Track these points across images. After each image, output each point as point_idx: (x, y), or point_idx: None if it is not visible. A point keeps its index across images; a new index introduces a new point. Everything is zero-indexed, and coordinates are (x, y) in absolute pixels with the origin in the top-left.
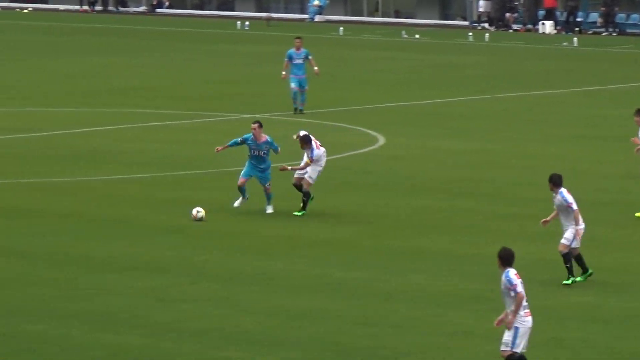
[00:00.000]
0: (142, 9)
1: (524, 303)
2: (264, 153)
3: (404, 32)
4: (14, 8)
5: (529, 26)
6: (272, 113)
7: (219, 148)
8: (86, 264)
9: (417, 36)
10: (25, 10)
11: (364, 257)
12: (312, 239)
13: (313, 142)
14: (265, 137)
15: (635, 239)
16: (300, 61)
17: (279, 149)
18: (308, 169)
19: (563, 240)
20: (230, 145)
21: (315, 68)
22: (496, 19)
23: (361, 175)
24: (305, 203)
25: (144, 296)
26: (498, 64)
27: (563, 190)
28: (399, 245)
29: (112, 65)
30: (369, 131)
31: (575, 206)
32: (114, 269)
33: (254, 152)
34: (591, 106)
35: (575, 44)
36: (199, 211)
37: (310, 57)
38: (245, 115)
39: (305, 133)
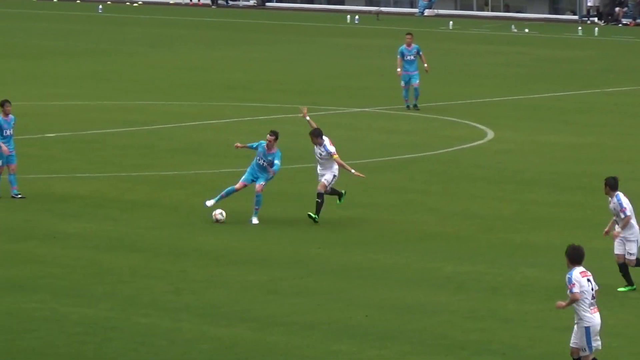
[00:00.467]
0: (251, 2)
1: (591, 300)
2: (267, 164)
3: (513, 26)
4: (124, 1)
5: (639, 20)
6: (381, 107)
7: (239, 145)
8: (196, 257)
9: (526, 30)
10: (136, 4)
11: (474, 251)
12: (422, 232)
13: (325, 138)
14: (275, 150)
15: None
16: (411, 57)
17: (278, 168)
18: (326, 172)
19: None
20: (249, 147)
21: (425, 65)
22: (605, 13)
23: (470, 169)
24: (319, 206)
25: (254, 289)
26: (608, 58)
27: (619, 194)
28: (509, 239)
29: (223, 59)
30: (478, 125)
31: (629, 212)
32: (224, 262)
33: (259, 161)
34: None
35: None
36: (221, 213)
37: (421, 53)
38: (354, 110)
39: (316, 127)
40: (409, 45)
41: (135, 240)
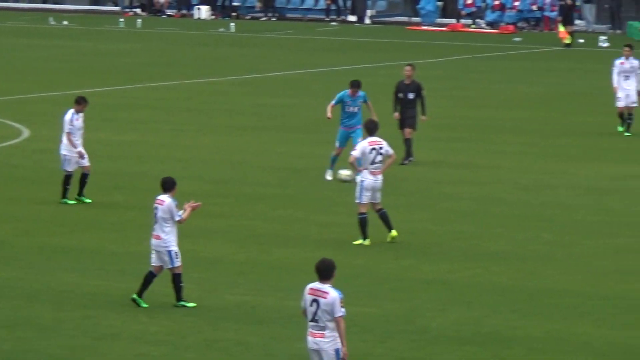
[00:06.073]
0: None
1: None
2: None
3: (51, 19)
4: None
5: (184, 11)
6: None
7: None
8: None
9: (65, 22)
10: None
11: (10, 256)
12: None
13: None
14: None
15: (296, 234)
16: None
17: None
18: None
19: None
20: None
21: None
22: (149, 4)
23: (7, 169)
24: None
25: None
26: (152, 51)
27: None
28: (46, 243)
29: None
30: (12, 123)
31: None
32: None
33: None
34: (249, 95)
35: (233, 30)
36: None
37: None
38: None
39: None
40: None
41: None
